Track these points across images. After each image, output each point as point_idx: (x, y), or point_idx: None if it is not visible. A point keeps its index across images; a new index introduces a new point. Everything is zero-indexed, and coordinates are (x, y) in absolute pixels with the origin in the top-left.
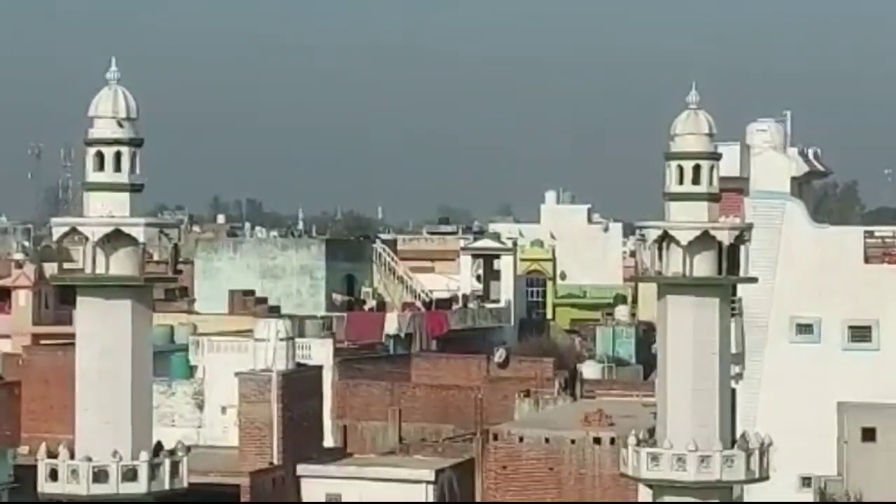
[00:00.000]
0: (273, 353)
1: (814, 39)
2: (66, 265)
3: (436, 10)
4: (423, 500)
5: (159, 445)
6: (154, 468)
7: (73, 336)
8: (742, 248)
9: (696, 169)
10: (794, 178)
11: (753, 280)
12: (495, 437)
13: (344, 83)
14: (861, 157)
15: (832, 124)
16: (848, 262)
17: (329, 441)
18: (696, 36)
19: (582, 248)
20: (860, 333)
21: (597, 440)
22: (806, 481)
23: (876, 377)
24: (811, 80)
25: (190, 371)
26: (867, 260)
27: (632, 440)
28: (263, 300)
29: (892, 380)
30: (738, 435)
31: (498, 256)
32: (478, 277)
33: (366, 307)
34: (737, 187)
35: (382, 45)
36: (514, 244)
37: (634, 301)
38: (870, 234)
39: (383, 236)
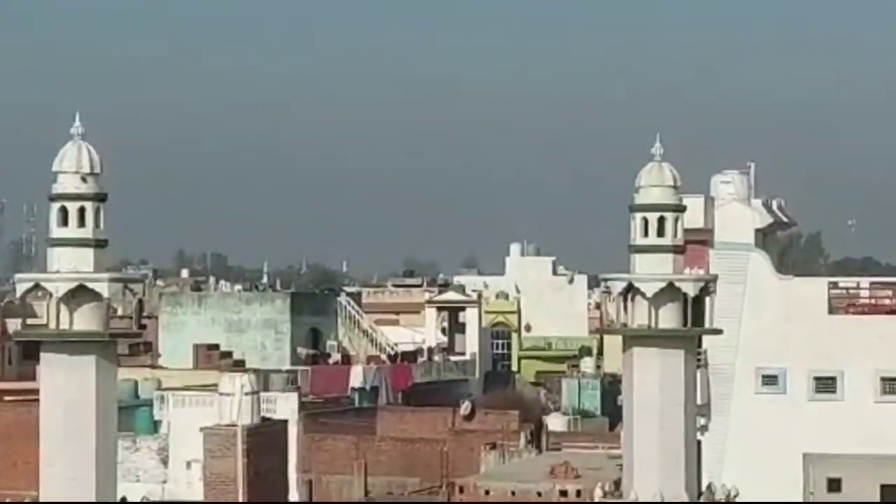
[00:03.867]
0: (238, 408)
1: (778, 90)
2: (29, 321)
3: (397, 66)
4: None
5: (124, 501)
6: None
7: (37, 392)
8: (707, 299)
9: (661, 221)
10: (758, 230)
11: (719, 332)
12: (461, 490)
13: (308, 137)
14: (825, 207)
15: (797, 175)
16: (812, 313)
17: (294, 495)
18: (660, 88)
19: (547, 300)
20: (825, 384)
21: (563, 493)
22: None
23: (841, 428)
24: (776, 131)
25: (154, 426)
26: (832, 311)
27: (598, 492)
28: (228, 354)
29: (857, 430)
30: (704, 486)
31: (463, 309)
32: (443, 330)
33: (331, 361)
34: (701, 239)
35: (347, 98)
36: (479, 296)
37: (600, 353)
38: (834, 285)
39: (348, 289)
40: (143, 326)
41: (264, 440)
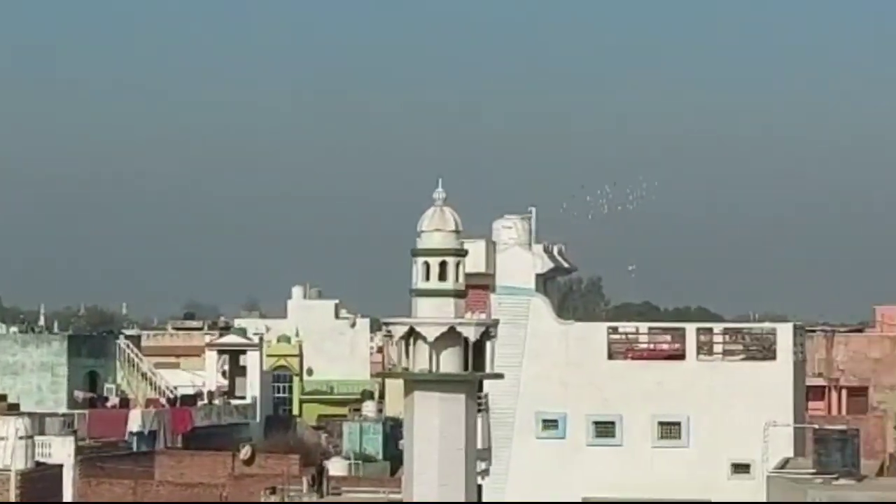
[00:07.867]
0: (12, 452)
1: (560, 136)
2: None
3: (175, 114)
4: None
5: None
6: None
7: None
8: (488, 343)
9: (443, 265)
10: (539, 275)
11: (500, 376)
12: None
13: (86, 175)
14: (605, 252)
15: (577, 220)
16: (592, 358)
17: None
18: (441, 132)
19: (329, 344)
20: (604, 429)
21: None
22: None
23: (620, 472)
24: (557, 176)
25: None
26: (611, 356)
27: None
28: (3, 397)
29: (635, 475)
30: None
31: (244, 352)
32: (223, 373)
33: (108, 404)
34: (483, 283)
35: (122, 134)
36: (261, 340)
37: (382, 396)
38: (613, 330)
39: (127, 332)
40: None
41: (39, 485)
